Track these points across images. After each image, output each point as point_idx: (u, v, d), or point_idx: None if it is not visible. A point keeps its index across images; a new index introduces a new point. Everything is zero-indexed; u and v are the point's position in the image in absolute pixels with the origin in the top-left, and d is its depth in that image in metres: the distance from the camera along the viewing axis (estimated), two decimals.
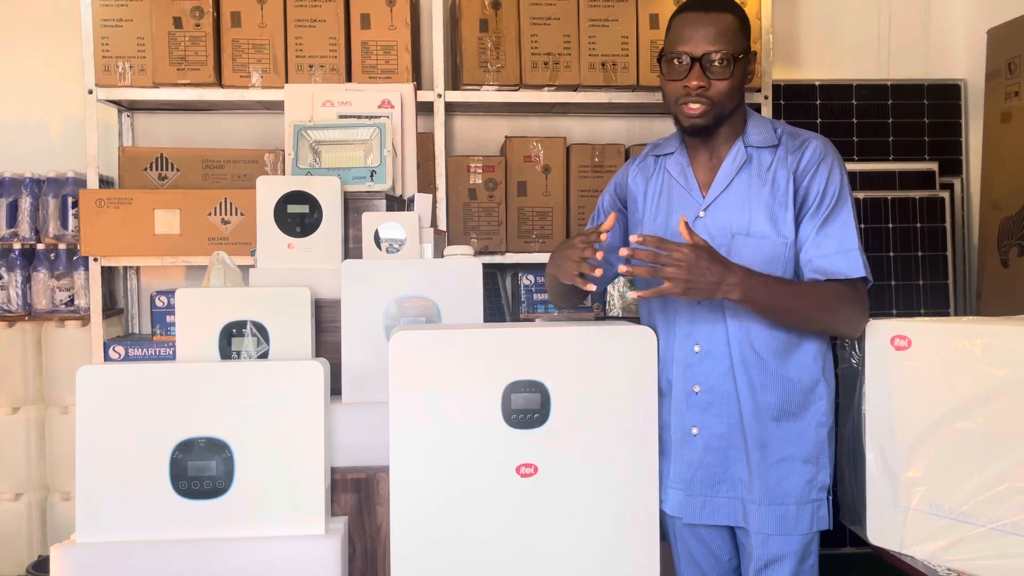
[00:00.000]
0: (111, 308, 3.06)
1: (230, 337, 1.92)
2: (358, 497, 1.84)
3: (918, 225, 3.23)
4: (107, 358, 2.80)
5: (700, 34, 1.75)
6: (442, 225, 2.92)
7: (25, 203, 3.01)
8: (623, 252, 1.62)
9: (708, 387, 1.81)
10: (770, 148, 1.82)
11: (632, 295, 1.63)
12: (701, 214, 1.83)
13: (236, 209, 2.82)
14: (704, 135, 1.82)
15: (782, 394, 1.78)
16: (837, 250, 1.76)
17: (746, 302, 1.68)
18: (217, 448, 1.67)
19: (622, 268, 1.63)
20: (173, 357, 2.43)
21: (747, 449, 1.78)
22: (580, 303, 2.08)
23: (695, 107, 1.77)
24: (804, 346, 1.79)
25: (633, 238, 1.64)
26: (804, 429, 1.78)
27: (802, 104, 3.33)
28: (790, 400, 1.78)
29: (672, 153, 1.91)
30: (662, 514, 1.87)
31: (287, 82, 2.85)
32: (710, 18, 1.76)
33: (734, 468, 1.79)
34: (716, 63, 1.75)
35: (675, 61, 1.77)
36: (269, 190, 2.19)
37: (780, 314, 1.74)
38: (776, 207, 1.78)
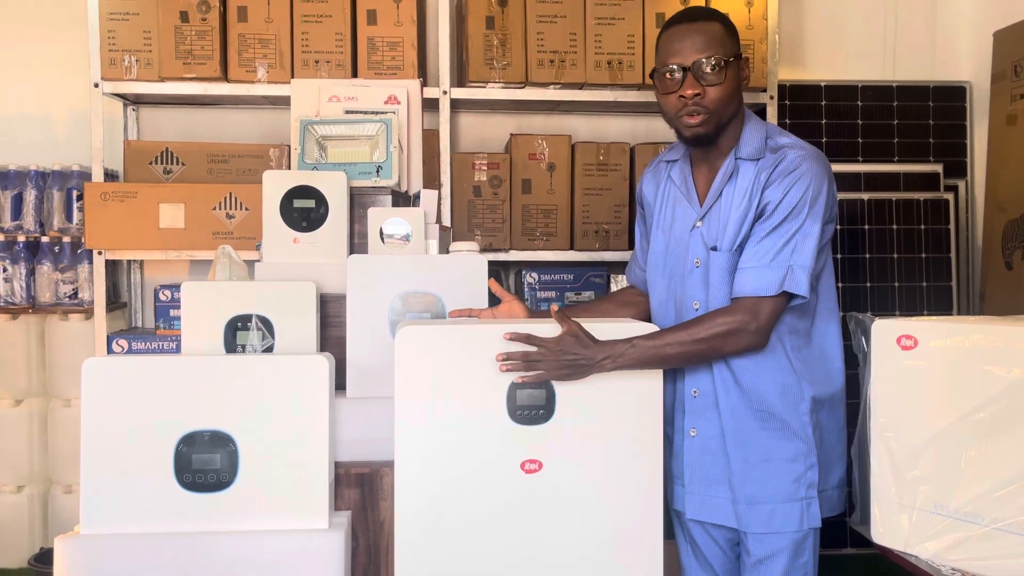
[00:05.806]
0: (115, 302, 3.06)
1: (235, 331, 1.92)
2: (362, 492, 1.85)
3: (922, 227, 3.23)
4: (110, 351, 2.80)
5: (688, 44, 1.76)
6: (447, 222, 2.92)
7: (30, 196, 3.02)
8: (497, 357, 1.68)
9: (703, 391, 1.83)
10: (755, 162, 1.79)
11: (516, 379, 1.69)
12: (698, 224, 1.83)
13: (241, 204, 2.82)
14: (707, 144, 1.81)
15: (763, 397, 1.78)
16: (761, 264, 1.72)
17: (623, 368, 1.71)
18: (222, 441, 1.67)
19: (501, 367, 1.68)
20: (176, 351, 2.43)
21: (731, 451, 1.80)
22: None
23: (694, 118, 1.77)
24: (785, 350, 1.79)
25: (505, 335, 1.69)
26: (788, 429, 1.79)
27: (807, 105, 3.33)
28: (771, 402, 1.79)
29: (677, 161, 1.92)
30: (671, 508, 1.90)
31: (293, 77, 2.85)
32: (696, 27, 1.76)
33: (726, 469, 1.81)
34: (708, 70, 1.74)
35: (667, 75, 1.77)
36: (275, 184, 2.19)
37: (663, 363, 1.74)
38: (744, 225, 1.77)
